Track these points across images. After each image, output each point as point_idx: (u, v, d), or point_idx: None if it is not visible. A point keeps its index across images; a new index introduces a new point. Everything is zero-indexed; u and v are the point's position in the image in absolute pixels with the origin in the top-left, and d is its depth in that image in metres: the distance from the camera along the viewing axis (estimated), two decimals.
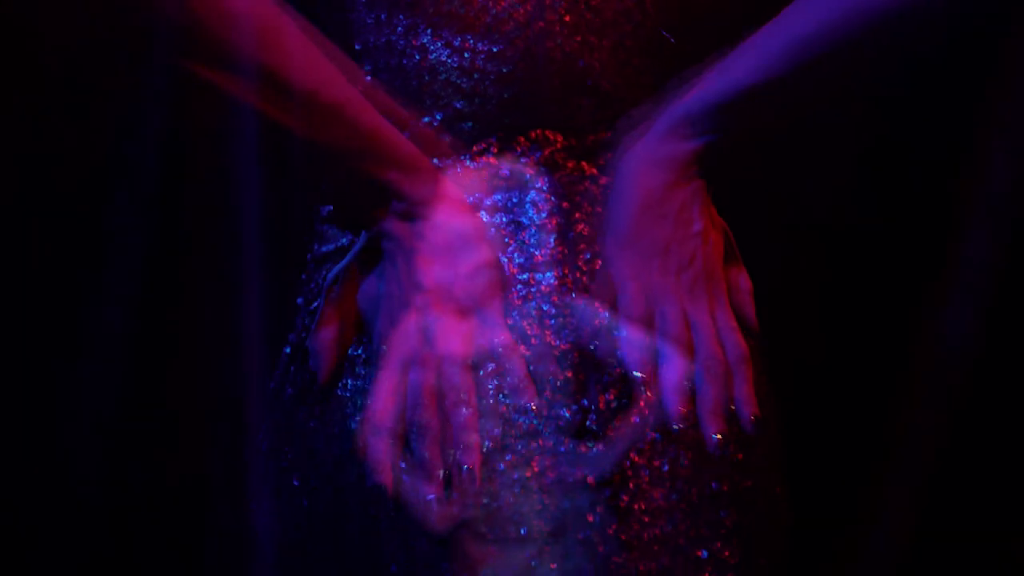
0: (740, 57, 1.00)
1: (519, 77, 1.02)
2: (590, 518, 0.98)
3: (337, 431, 1.02)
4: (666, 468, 1.00)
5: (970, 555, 1.49)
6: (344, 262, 1.04)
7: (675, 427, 0.99)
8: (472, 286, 1.00)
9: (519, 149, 1.03)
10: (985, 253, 1.41)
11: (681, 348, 1.00)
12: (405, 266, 1.00)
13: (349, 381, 1.03)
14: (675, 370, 1.00)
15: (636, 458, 0.99)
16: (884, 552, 1.49)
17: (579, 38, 1.02)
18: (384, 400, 0.99)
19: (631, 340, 1.00)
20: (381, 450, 0.99)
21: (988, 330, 1.42)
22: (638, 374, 0.99)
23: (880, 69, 1.01)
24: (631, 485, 0.99)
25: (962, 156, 1.40)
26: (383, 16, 1.03)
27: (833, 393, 1.51)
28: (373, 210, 1.01)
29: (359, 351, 1.04)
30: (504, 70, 1.02)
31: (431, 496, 0.98)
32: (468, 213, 1.01)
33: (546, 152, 1.03)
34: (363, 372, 1.03)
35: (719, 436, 0.99)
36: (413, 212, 1.00)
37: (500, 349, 0.99)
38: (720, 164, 1.03)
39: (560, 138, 1.04)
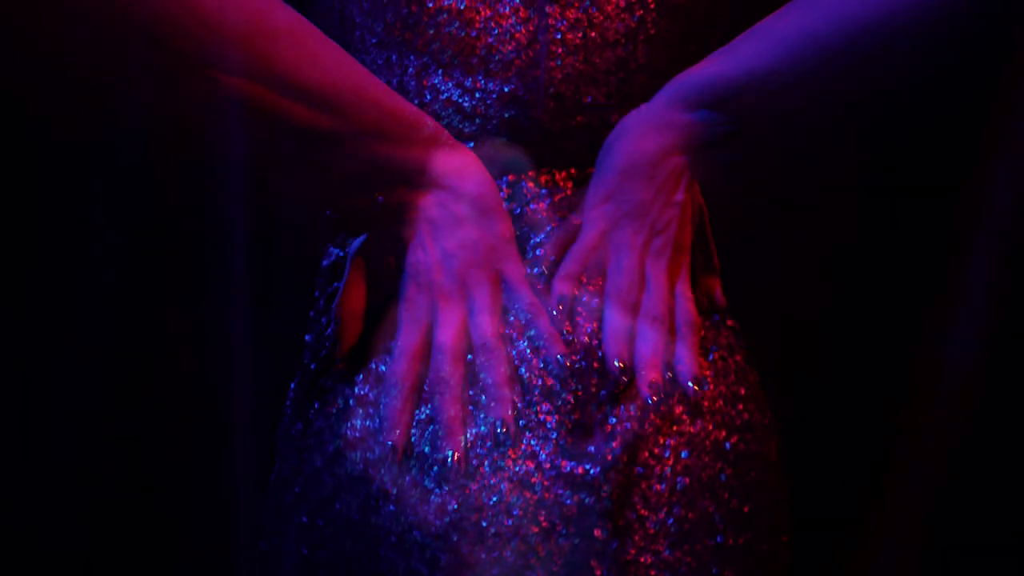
0: (748, 40, 1.02)
1: (520, 97, 1.03)
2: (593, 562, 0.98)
3: (348, 476, 1.02)
4: (671, 522, 1.00)
5: (977, 566, 1.48)
6: (354, 247, 1.04)
7: (615, 367, 1.00)
8: (494, 253, 1.02)
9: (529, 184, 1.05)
10: (988, 266, 1.40)
11: (627, 298, 1.02)
12: (431, 235, 1.01)
13: (358, 422, 1.03)
14: (615, 320, 1.01)
15: (641, 510, 0.99)
16: (890, 564, 1.48)
17: (581, 56, 1.02)
18: (405, 358, 1.00)
19: (611, 328, 1.00)
20: (396, 407, 0.99)
21: (992, 341, 1.41)
22: (618, 364, 0.99)
23: (887, 75, 1.01)
24: (636, 538, 0.99)
25: (966, 170, 1.40)
26: (394, 57, 1.04)
27: (836, 405, 1.51)
28: (390, 194, 1.01)
29: (366, 390, 1.04)
30: (506, 89, 1.02)
31: (453, 452, 0.98)
32: (487, 182, 1.02)
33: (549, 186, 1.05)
34: (372, 412, 1.03)
35: (652, 386, 1.00)
36: (436, 183, 1.01)
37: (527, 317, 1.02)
38: (718, 155, 1.03)
39: (563, 174, 1.06)
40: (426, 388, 1.00)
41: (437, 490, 0.98)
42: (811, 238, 1.47)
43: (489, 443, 0.99)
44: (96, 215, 1.38)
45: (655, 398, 1.01)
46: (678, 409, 1.01)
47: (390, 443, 0.99)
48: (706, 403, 1.03)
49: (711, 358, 1.05)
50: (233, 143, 0.98)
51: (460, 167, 1.01)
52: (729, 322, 1.08)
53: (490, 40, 1.01)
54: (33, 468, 1.45)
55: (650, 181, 1.02)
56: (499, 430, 0.98)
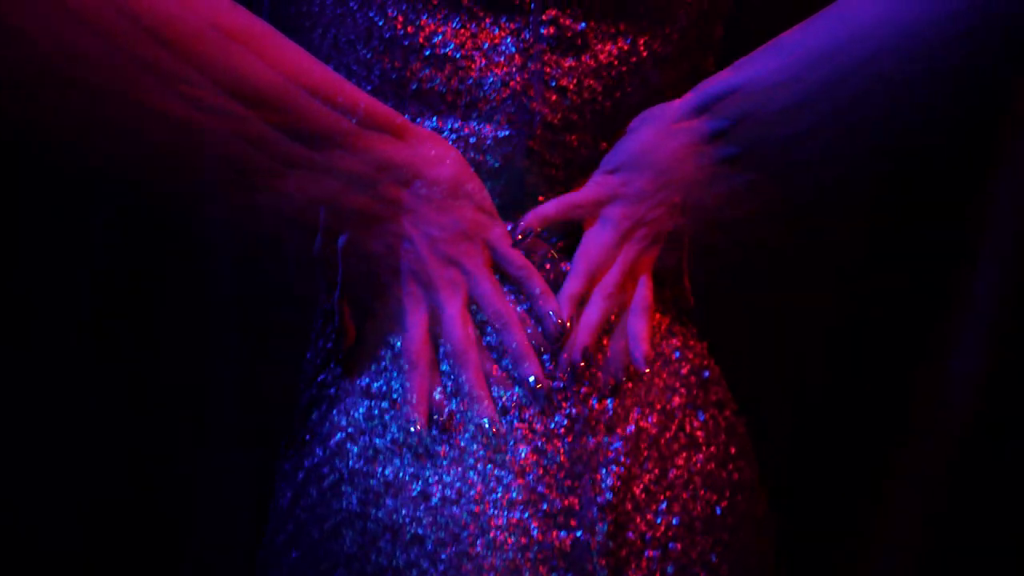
0: (768, 53, 1.04)
1: (514, 140, 1.04)
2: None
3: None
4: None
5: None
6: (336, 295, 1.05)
7: (553, 323, 1.03)
8: (478, 226, 1.03)
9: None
10: (993, 274, 1.41)
11: (592, 268, 1.05)
12: (414, 225, 1.02)
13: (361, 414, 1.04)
14: (572, 284, 1.04)
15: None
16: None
17: (576, 101, 1.04)
18: (417, 337, 1.02)
19: (566, 290, 1.04)
20: (417, 382, 1.01)
21: (996, 352, 1.42)
22: (555, 319, 1.03)
23: (904, 98, 1.03)
24: None
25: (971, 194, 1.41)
26: (390, 104, 1.04)
27: (837, 414, 1.51)
28: (366, 191, 1.01)
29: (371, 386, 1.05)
30: (500, 134, 1.04)
31: (485, 417, 1.01)
32: (460, 164, 1.03)
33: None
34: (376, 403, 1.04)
35: (583, 351, 1.03)
36: (410, 174, 1.02)
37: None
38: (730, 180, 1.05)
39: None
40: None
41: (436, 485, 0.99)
42: (814, 246, 1.47)
43: (524, 402, 1.01)
44: (96, 218, 1.38)
45: (583, 363, 1.03)
46: (672, 473, 1.03)
47: (416, 417, 1.01)
48: (698, 465, 1.05)
49: (702, 418, 1.06)
50: (208, 155, 0.98)
51: (431, 156, 1.02)
52: (699, 330, 1.09)
53: (485, 88, 1.02)
54: (33, 468, 1.45)
55: (656, 176, 1.05)
56: (532, 382, 1.01)
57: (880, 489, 1.49)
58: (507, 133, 1.03)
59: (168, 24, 0.94)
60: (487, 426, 1.01)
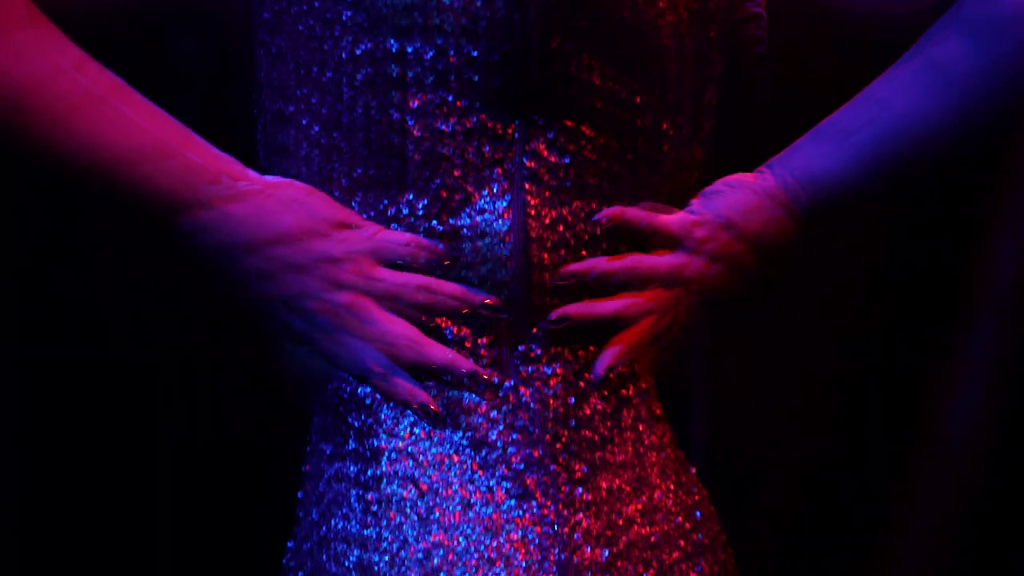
0: (849, 143, 1.07)
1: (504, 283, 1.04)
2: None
3: None
4: None
5: None
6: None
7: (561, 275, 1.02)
8: (335, 242, 1.02)
9: None
10: (994, 342, 1.42)
11: (630, 278, 1.05)
12: (276, 287, 1.01)
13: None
14: (608, 270, 1.04)
15: None
16: None
17: (560, 229, 1.03)
18: (369, 348, 1.01)
19: (600, 266, 1.04)
20: (401, 383, 1.01)
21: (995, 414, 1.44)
22: (562, 277, 1.02)
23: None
24: None
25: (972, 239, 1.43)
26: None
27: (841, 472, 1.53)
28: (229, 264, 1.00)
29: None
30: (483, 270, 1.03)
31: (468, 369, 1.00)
32: (291, 211, 1.01)
33: None
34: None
35: (561, 314, 1.03)
36: (260, 241, 1.00)
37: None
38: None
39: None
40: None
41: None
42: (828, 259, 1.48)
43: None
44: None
45: (554, 323, 1.02)
46: None
47: (421, 400, 1.00)
48: None
49: (699, 570, 1.06)
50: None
51: (259, 212, 1.00)
52: (721, 549, 1.10)
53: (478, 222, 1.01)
54: (33, 468, 1.44)
55: (734, 238, 1.06)
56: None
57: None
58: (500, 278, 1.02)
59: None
60: (483, 375, 1.00)
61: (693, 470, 1.11)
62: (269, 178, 1.00)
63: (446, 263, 1.00)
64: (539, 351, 1.03)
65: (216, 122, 1.07)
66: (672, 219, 1.05)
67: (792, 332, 1.57)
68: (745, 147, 1.17)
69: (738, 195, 1.06)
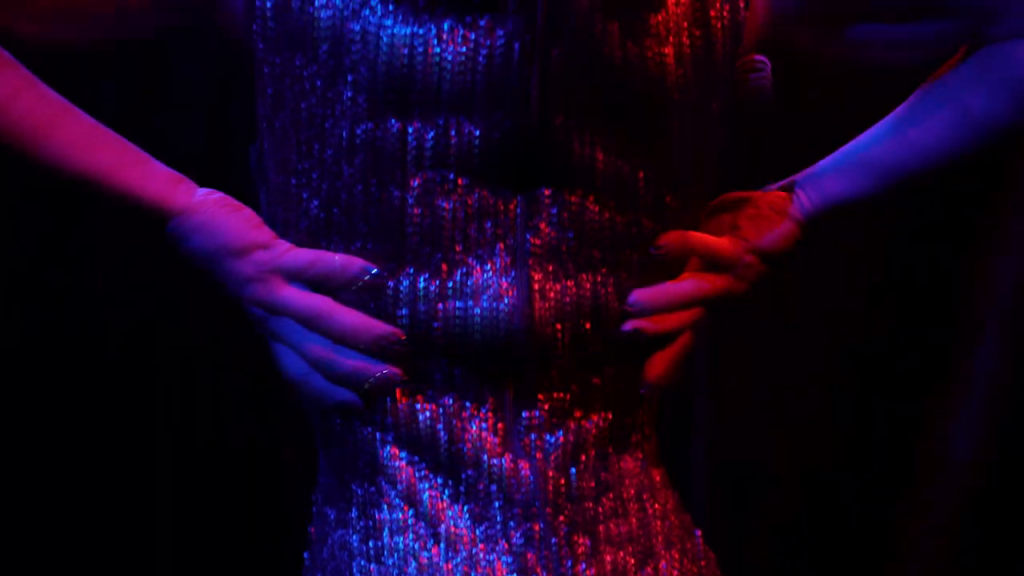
0: (858, 169, 1.07)
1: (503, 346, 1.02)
2: None
3: None
4: None
5: None
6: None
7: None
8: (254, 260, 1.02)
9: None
10: (996, 348, 1.42)
11: (688, 295, 1.04)
12: (236, 290, 1.02)
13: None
14: (674, 286, 1.04)
15: None
16: None
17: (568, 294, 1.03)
18: (290, 355, 1.01)
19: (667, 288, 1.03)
20: (347, 364, 1.00)
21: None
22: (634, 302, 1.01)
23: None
24: None
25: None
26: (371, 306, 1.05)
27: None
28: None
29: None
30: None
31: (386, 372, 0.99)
32: (203, 233, 1.02)
33: None
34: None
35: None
36: (191, 256, 1.02)
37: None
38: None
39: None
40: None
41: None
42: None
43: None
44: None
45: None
46: None
47: (385, 372, 0.99)
48: None
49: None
50: None
51: (185, 233, 1.01)
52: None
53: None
54: (33, 468, 1.44)
55: (761, 261, 1.06)
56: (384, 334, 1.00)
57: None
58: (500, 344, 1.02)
59: None
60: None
61: (699, 533, 1.09)
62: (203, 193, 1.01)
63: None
64: (541, 421, 1.02)
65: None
66: (726, 244, 1.05)
67: (795, 339, 1.57)
68: (745, 156, 1.17)
69: (785, 227, 1.06)
